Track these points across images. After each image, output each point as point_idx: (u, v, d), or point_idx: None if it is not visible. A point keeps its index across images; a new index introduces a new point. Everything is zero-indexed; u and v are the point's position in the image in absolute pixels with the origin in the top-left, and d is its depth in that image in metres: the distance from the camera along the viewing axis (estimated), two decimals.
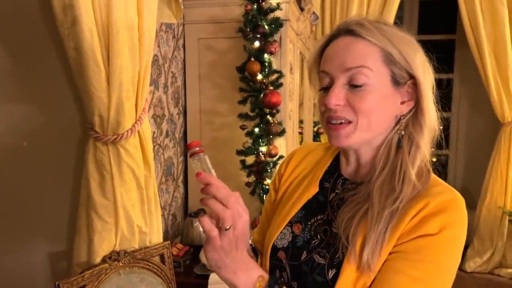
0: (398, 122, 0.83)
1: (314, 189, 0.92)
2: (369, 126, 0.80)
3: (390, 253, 0.76)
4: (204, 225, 0.70)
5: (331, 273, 0.79)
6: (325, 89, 0.83)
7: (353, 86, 0.79)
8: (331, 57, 0.82)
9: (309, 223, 0.89)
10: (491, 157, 3.44)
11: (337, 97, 0.79)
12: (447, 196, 0.77)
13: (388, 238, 0.75)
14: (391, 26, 0.82)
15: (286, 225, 0.91)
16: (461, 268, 3.43)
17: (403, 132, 0.83)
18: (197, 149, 0.76)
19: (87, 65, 1.26)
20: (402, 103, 0.83)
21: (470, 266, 3.48)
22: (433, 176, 0.83)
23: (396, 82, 0.80)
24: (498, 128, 3.40)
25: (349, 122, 0.80)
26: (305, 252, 0.85)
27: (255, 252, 1.00)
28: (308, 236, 0.87)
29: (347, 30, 0.81)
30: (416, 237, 0.75)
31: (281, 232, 0.90)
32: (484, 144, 3.76)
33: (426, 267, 0.74)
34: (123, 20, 1.28)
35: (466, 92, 4.23)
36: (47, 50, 1.40)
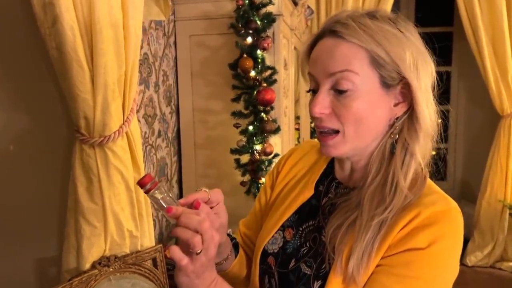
0: (392, 125, 0.78)
1: (309, 192, 0.88)
2: (358, 134, 0.75)
3: (377, 266, 0.72)
4: (173, 256, 0.66)
5: (316, 285, 0.75)
6: (313, 92, 0.79)
7: (338, 91, 0.74)
8: (315, 60, 0.78)
9: (301, 229, 0.85)
10: (490, 150, 3.40)
11: (321, 105, 0.75)
12: (440, 207, 0.72)
13: (375, 249, 0.71)
14: (382, 20, 0.75)
15: (279, 229, 0.87)
16: (462, 263, 3.40)
17: (397, 136, 0.77)
18: (152, 183, 0.70)
19: (70, 66, 1.22)
20: (396, 105, 0.77)
21: (471, 260, 3.45)
22: (429, 182, 0.78)
23: (386, 85, 0.74)
24: (497, 121, 3.36)
25: (336, 132, 0.75)
26: (293, 260, 0.82)
27: (235, 243, 0.96)
28: (298, 243, 0.83)
29: (330, 31, 0.76)
30: (404, 251, 0.71)
31: (272, 236, 0.87)
32: (483, 137, 3.73)
33: (413, 283, 0.70)
34: (107, 18, 1.24)
35: (464, 85, 4.19)
36: (30, 51, 1.36)
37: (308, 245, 0.82)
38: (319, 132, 0.77)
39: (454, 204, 0.74)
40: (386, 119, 0.77)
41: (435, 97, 0.77)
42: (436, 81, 0.78)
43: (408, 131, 0.76)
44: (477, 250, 3.45)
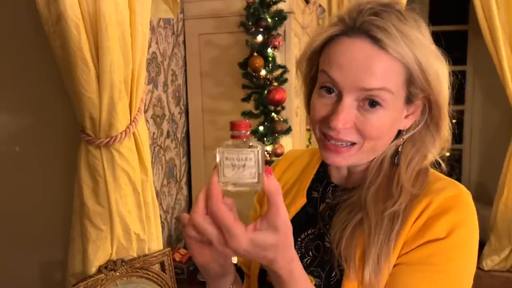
0: (398, 134, 0.74)
1: (302, 201, 0.82)
2: (374, 148, 0.70)
3: (395, 265, 0.67)
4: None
5: None
6: (323, 89, 0.70)
7: (365, 105, 0.67)
8: (342, 64, 0.66)
9: (299, 239, 0.79)
10: (507, 151, 3.31)
11: (345, 120, 0.66)
12: (450, 192, 0.68)
13: (392, 249, 0.66)
14: (410, 22, 0.67)
15: None
16: (478, 267, 3.29)
17: (399, 149, 0.73)
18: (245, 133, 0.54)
19: (75, 64, 1.18)
20: (406, 116, 0.72)
21: (488, 264, 3.36)
22: (431, 171, 0.74)
23: (408, 101, 0.70)
24: None
25: (353, 144, 0.69)
26: None
27: (241, 274, 0.88)
28: (299, 254, 0.77)
29: (368, 34, 0.65)
30: (423, 244, 0.66)
31: None
32: (500, 137, 3.63)
33: (438, 277, 0.65)
34: (113, 15, 1.20)
35: (480, 84, 4.09)
36: (34, 50, 1.33)
37: (311, 254, 0.77)
38: (328, 141, 0.70)
39: (462, 187, 0.70)
40: (396, 130, 0.73)
41: (450, 98, 0.73)
42: (451, 83, 0.73)
43: (422, 137, 0.73)
44: (493, 253, 3.36)
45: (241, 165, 0.53)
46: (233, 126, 0.54)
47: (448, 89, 0.70)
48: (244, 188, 0.54)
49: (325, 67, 0.69)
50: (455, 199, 0.67)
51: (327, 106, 0.69)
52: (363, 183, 0.74)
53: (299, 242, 0.78)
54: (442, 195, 0.67)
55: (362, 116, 0.67)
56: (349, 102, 0.67)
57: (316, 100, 0.72)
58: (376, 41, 0.65)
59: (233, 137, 0.54)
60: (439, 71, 0.67)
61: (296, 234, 0.78)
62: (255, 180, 0.53)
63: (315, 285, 0.72)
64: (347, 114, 0.66)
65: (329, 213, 0.77)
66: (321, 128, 0.71)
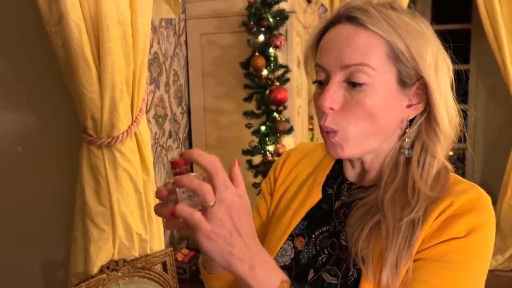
0: (405, 128, 0.73)
1: (317, 196, 0.81)
2: (367, 133, 0.69)
3: (413, 260, 0.66)
4: (182, 213, 0.54)
5: None
6: (321, 83, 0.72)
7: (352, 84, 0.67)
8: (327, 49, 0.69)
9: (313, 236, 0.78)
10: (511, 150, 3.29)
11: (332, 98, 0.67)
12: (472, 194, 0.67)
13: (411, 253, 0.65)
14: (402, 11, 0.69)
15: (287, 239, 0.79)
16: None
17: (407, 140, 0.72)
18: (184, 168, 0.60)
19: (76, 64, 1.19)
20: (409, 106, 0.71)
21: (492, 264, 3.34)
22: (452, 174, 0.73)
23: (402, 83, 0.68)
24: None
25: (336, 132, 0.69)
26: (312, 271, 0.75)
27: None
28: (314, 252, 0.76)
29: (348, 17, 0.68)
30: (441, 242, 0.66)
31: (281, 248, 0.79)
32: (504, 136, 3.61)
33: (455, 275, 0.65)
34: (114, 15, 1.20)
35: (483, 83, 4.07)
36: (36, 50, 1.33)
37: (326, 252, 0.75)
38: (322, 131, 0.71)
39: (483, 190, 0.69)
40: (398, 119, 0.71)
41: (454, 96, 0.72)
42: (453, 80, 0.72)
43: (427, 133, 0.71)
44: (497, 253, 3.34)
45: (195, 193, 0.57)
46: (174, 165, 0.60)
47: (444, 79, 0.69)
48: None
49: (316, 60, 0.72)
50: (477, 201, 0.67)
51: (320, 96, 0.69)
52: (379, 182, 0.73)
53: (313, 239, 0.78)
54: (464, 197, 0.67)
55: (350, 96, 0.67)
56: (335, 82, 0.68)
57: (314, 97, 0.73)
58: (356, 20, 0.67)
59: (175, 174, 0.60)
60: (422, 49, 0.67)
61: (310, 231, 0.78)
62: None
63: (330, 284, 0.71)
64: (334, 92, 0.67)
65: (344, 210, 0.76)
66: (318, 122, 0.71)
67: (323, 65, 0.69)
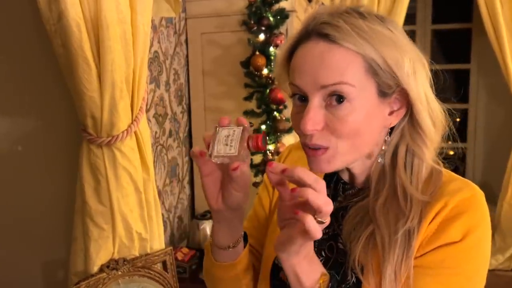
0: (386, 134, 0.72)
1: None
2: (354, 148, 0.67)
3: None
4: (309, 223, 0.54)
5: None
6: (300, 99, 0.69)
7: (331, 104, 0.65)
8: (301, 69, 0.66)
9: None
10: None
11: (313, 121, 0.64)
12: (465, 194, 0.67)
13: (409, 264, 0.65)
14: (371, 19, 0.66)
15: None
16: None
17: (383, 147, 0.72)
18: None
19: (76, 63, 1.19)
20: (391, 113, 0.69)
21: (492, 263, 3.33)
22: (445, 171, 0.71)
23: (382, 93, 0.66)
24: None
25: (327, 148, 0.67)
26: None
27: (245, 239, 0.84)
28: None
29: (319, 34, 0.65)
30: (437, 247, 0.65)
31: None
32: (504, 135, 3.61)
33: (453, 281, 0.65)
34: (114, 14, 1.20)
35: (484, 82, 4.06)
36: (36, 49, 1.33)
37: (324, 255, 0.75)
38: (306, 147, 0.69)
39: (476, 187, 0.69)
40: (380, 128, 0.70)
41: (437, 96, 0.70)
42: (431, 77, 0.70)
43: (411, 136, 0.70)
44: (498, 253, 3.33)
45: (230, 140, 0.62)
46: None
47: (424, 83, 0.68)
48: (225, 160, 0.63)
49: (290, 79, 0.69)
50: (470, 201, 0.66)
51: (300, 114, 0.67)
52: (369, 189, 0.72)
53: None
54: (457, 197, 0.66)
55: (331, 114, 0.65)
56: (315, 102, 0.65)
57: (292, 115, 0.71)
58: (326, 37, 0.64)
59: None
60: (399, 59, 0.65)
61: None
62: (235, 153, 0.62)
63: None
64: (314, 114, 0.65)
65: (342, 213, 0.75)
66: (301, 139, 0.69)
67: (298, 85, 0.67)
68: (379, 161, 0.72)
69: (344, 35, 0.63)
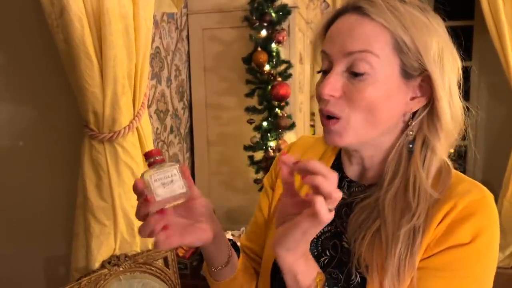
0: (407, 122, 0.71)
1: None
2: (367, 123, 0.67)
3: (418, 268, 0.65)
4: (321, 205, 0.54)
5: None
6: (324, 73, 0.71)
7: (353, 73, 0.66)
8: (333, 37, 0.70)
9: (316, 236, 0.76)
10: None
11: (332, 86, 0.67)
12: (475, 195, 0.66)
13: (414, 262, 0.64)
14: (411, 4, 0.68)
15: None
16: None
17: (411, 133, 0.71)
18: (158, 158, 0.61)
19: (78, 58, 1.18)
20: (412, 99, 0.69)
21: None
22: (454, 172, 0.71)
23: (406, 74, 0.67)
24: None
25: (339, 119, 0.68)
26: None
27: (236, 248, 0.85)
28: (316, 252, 0.75)
29: (354, 7, 0.69)
30: (446, 249, 0.65)
31: None
32: (505, 133, 3.61)
33: (462, 283, 0.64)
34: (116, 9, 1.19)
35: (485, 80, 4.06)
36: (38, 44, 1.32)
37: (328, 254, 0.75)
38: (323, 116, 0.70)
39: (486, 189, 0.68)
40: (400, 112, 0.70)
41: (461, 94, 0.70)
42: (461, 78, 0.71)
43: (428, 128, 0.70)
44: (498, 250, 3.35)
45: (169, 181, 0.59)
46: (149, 155, 0.60)
47: (450, 75, 0.68)
48: (178, 201, 0.61)
49: (322, 47, 0.72)
50: (480, 203, 0.66)
51: (323, 83, 0.69)
52: (380, 180, 0.72)
53: (315, 240, 0.76)
54: (467, 199, 0.65)
55: (351, 84, 0.67)
56: (338, 69, 0.68)
57: (316, 85, 0.73)
58: (361, 10, 0.67)
59: (150, 164, 0.60)
60: (428, 42, 0.66)
61: None
62: (184, 190, 0.60)
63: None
64: (335, 80, 0.67)
65: (345, 210, 0.75)
66: (319, 105, 0.71)
67: (327, 51, 0.70)
68: (409, 148, 0.71)
69: (377, 9, 0.66)
